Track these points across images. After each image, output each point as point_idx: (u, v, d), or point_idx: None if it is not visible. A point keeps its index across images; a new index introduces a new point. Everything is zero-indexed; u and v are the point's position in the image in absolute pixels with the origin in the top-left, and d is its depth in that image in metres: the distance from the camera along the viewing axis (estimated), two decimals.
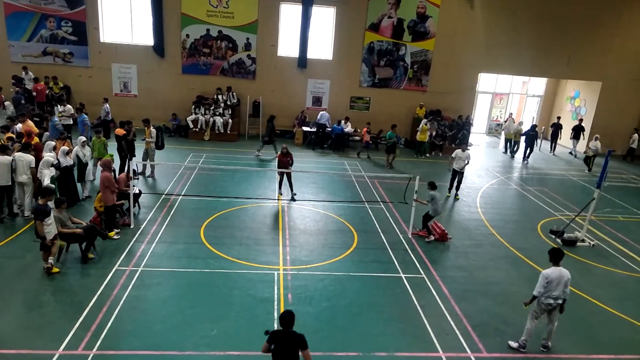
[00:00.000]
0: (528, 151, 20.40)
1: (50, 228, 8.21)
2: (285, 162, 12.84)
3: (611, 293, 9.27)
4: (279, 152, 13.23)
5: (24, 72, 18.46)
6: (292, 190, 13.21)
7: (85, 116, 15.01)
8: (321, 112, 20.03)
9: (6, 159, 10.07)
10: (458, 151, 14.21)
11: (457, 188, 14.61)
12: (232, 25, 20.25)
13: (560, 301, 6.93)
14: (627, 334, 8.02)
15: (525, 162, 20.28)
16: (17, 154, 10.30)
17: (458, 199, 14.43)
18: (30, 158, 10.36)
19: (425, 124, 19.27)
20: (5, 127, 12.27)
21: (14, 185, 10.42)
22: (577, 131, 22.02)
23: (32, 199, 10.52)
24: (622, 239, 12.25)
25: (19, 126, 12.48)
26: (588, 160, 19.62)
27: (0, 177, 10.05)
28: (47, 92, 18.50)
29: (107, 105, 17.78)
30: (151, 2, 19.20)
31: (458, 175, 14.34)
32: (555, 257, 6.94)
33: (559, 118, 22.88)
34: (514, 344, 7.30)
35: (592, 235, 12.18)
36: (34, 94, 18.03)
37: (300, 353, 5.23)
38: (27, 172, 10.31)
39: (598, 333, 7.96)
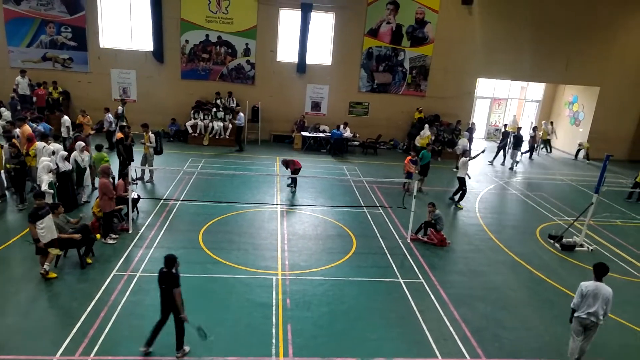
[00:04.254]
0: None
1: (45, 232, 8.16)
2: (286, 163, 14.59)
3: None
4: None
5: (20, 76, 18.27)
6: (295, 185, 14.69)
7: (48, 126, 14.63)
8: (239, 114, 19.10)
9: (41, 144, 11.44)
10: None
11: (455, 196, 14.46)
12: (231, 30, 20.32)
13: (595, 320, 6.64)
14: (629, 340, 8.01)
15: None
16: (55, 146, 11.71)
17: (461, 208, 14.04)
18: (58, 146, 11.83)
19: (429, 130, 19.24)
20: (7, 132, 12.61)
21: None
22: (517, 140, 19.70)
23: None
24: (620, 244, 12.25)
25: (17, 130, 12.52)
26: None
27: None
28: (47, 97, 18.50)
29: (110, 114, 17.62)
30: (151, 8, 19.28)
31: (458, 181, 14.20)
32: (597, 271, 6.72)
33: (505, 126, 22.01)
34: None
35: (591, 240, 12.18)
36: (34, 99, 18.03)
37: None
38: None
39: (599, 339, 7.80)
